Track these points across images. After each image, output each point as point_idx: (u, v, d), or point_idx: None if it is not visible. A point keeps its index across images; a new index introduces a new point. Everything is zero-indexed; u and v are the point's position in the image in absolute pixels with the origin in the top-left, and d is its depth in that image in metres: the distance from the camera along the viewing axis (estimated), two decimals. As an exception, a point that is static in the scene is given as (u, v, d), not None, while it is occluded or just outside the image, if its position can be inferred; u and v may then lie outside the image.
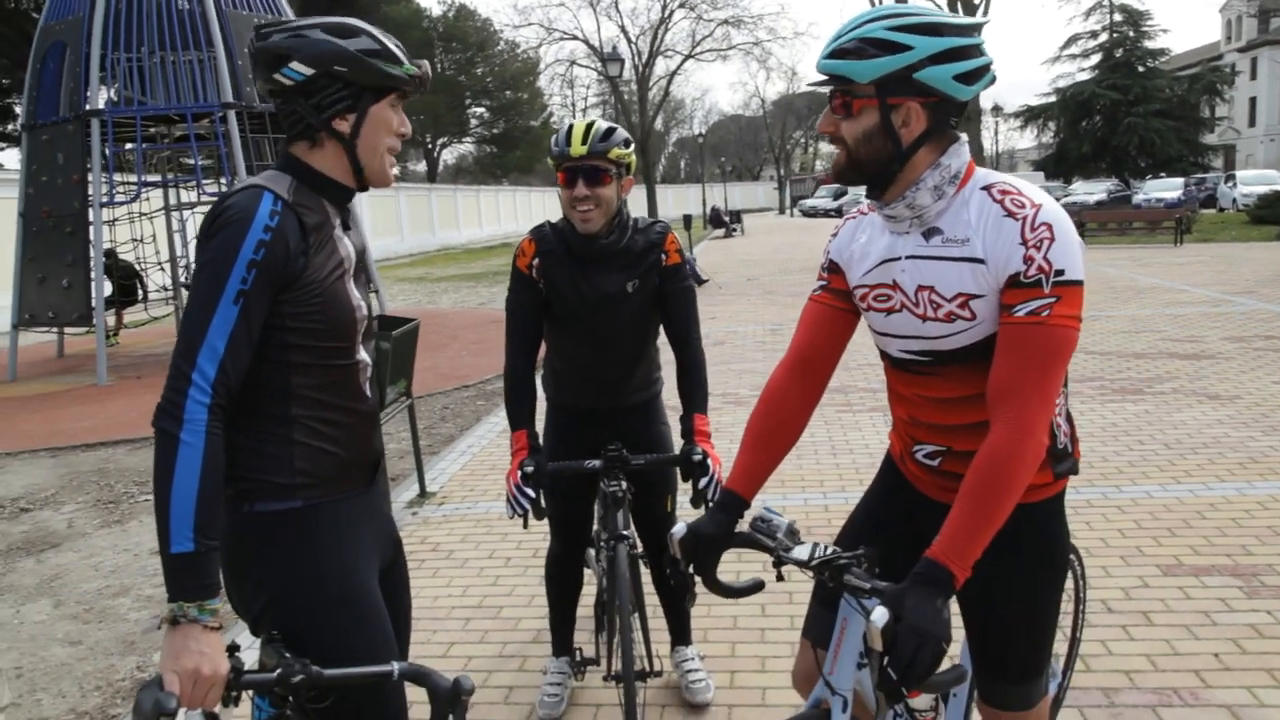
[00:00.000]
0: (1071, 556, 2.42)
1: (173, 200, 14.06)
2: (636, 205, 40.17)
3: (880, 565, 1.68)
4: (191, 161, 12.76)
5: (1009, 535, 1.63)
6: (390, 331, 5.02)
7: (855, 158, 1.68)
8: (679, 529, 1.79)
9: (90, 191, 11.28)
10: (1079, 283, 1.57)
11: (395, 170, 1.79)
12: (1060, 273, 1.56)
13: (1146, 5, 42.71)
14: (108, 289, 12.57)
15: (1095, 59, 43.94)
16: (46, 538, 5.52)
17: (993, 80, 1.67)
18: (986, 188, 1.66)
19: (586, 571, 3.22)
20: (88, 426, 8.52)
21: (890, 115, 1.63)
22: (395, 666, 1.52)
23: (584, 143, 2.55)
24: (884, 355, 1.87)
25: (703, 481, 2.60)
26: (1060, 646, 2.61)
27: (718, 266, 21.16)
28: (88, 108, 11.25)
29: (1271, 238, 20.56)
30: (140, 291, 14.18)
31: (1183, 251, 18.98)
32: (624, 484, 2.70)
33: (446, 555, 4.64)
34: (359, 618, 1.71)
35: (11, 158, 35.62)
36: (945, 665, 1.54)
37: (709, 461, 2.62)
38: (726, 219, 37.30)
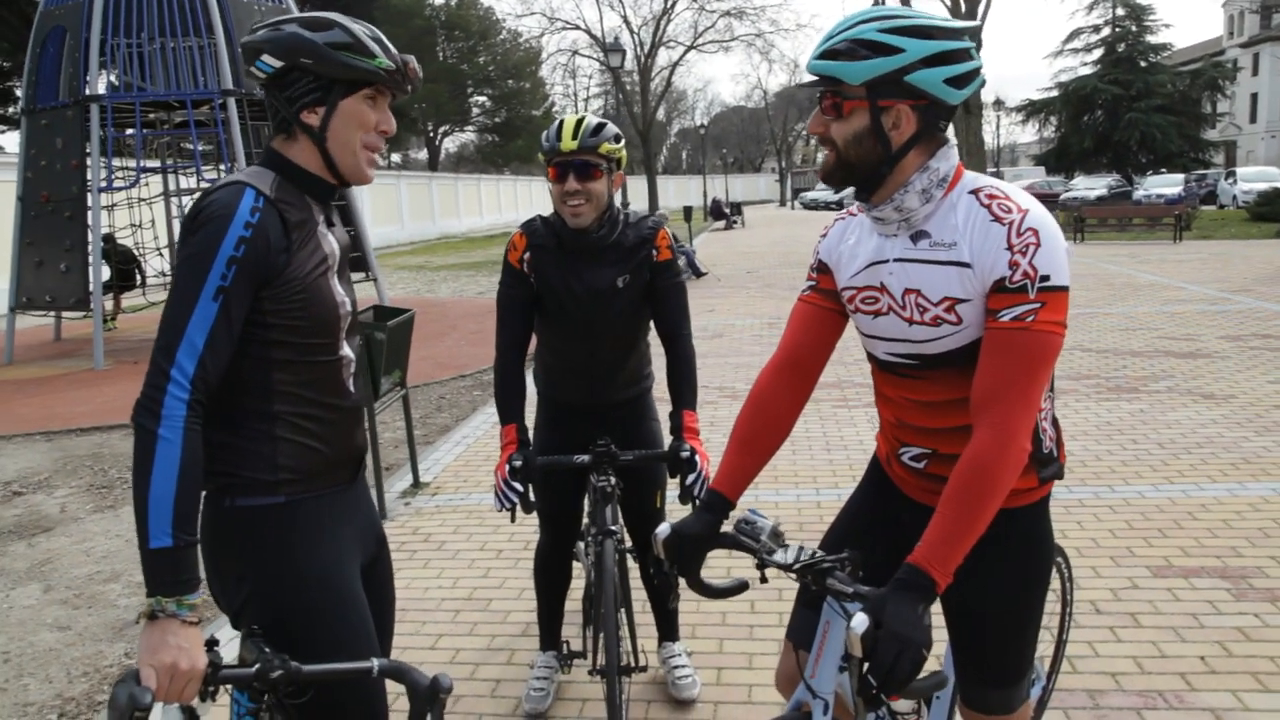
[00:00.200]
0: (1059, 559, 2.43)
1: (172, 186, 14.06)
2: (638, 196, 40.18)
3: (865, 568, 1.68)
4: (191, 148, 12.73)
5: (992, 540, 1.63)
6: (385, 322, 5.02)
7: (844, 159, 1.68)
8: (663, 529, 1.79)
9: (89, 176, 11.26)
10: (1064, 288, 1.56)
11: (373, 169, 1.76)
12: (1046, 278, 1.55)
13: (1149, 0, 42.39)
14: (105, 274, 12.56)
15: (1097, 53, 43.85)
16: (39, 522, 5.52)
17: (983, 84, 1.66)
18: (974, 191, 1.65)
19: (576, 565, 3.22)
20: (83, 411, 8.52)
21: (880, 117, 1.63)
22: (375, 663, 1.52)
23: (574, 138, 2.55)
24: (871, 357, 1.87)
25: (690, 478, 2.61)
26: (1046, 648, 2.61)
27: (717, 259, 21.14)
28: (87, 93, 11.22)
29: (1271, 235, 20.56)
30: (138, 277, 14.15)
31: (1182, 248, 18.97)
32: (613, 479, 2.70)
33: (438, 546, 4.64)
34: (340, 614, 1.71)
35: (11, 141, 35.57)
36: (927, 671, 1.54)
37: (697, 458, 2.63)
38: (727, 211, 37.26)
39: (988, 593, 1.78)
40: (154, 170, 13.58)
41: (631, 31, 44.15)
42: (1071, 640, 3.11)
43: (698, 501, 2.58)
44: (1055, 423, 1.83)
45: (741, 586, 1.79)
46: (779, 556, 1.66)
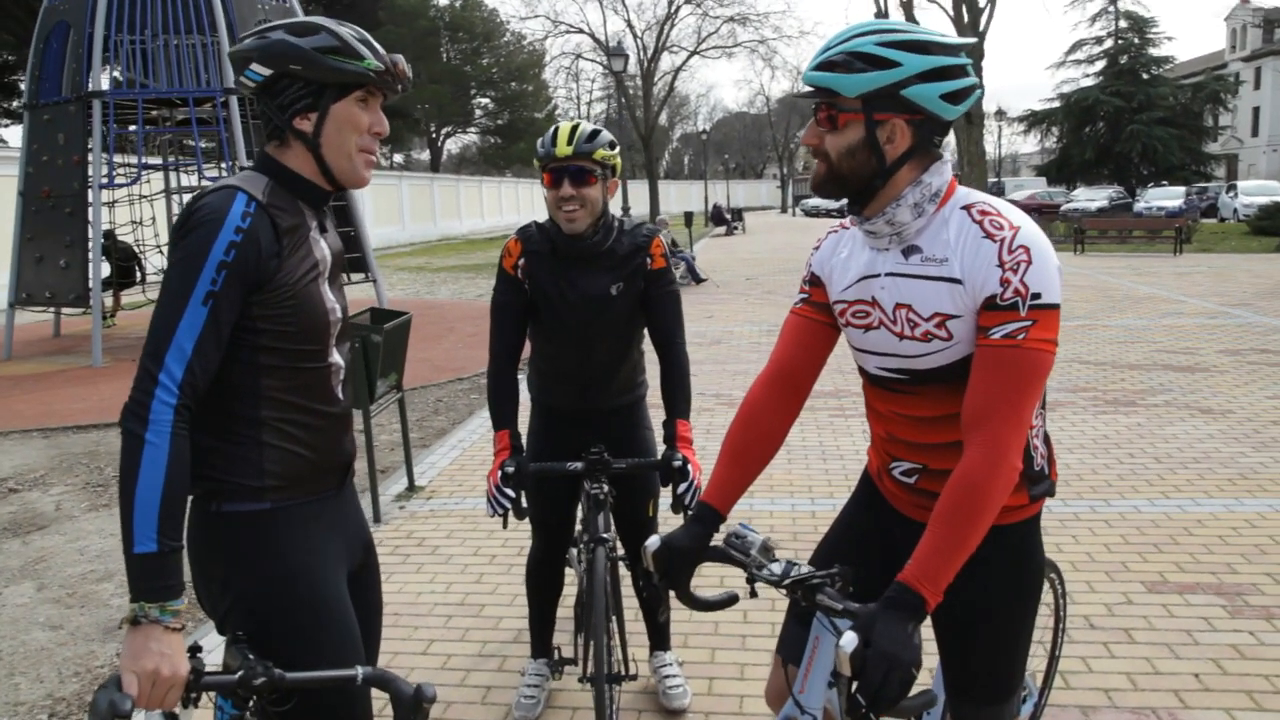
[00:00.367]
0: (1052, 574, 2.42)
1: (173, 184, 14.07)
2: (639, 200, 40.20)
3: (855, 583, 1.67)
4: (193, 145, 12.75)
5: (982, 558, 1.62)
6: (382, 325, 5.01)
7: (837, 171, 1.67)
8: (653, 542, 1.78)
9: (90, 173, 11.27)
10: (1055, 306, 1.56)
11: (370, 171, 1.75)
12: (1037, 296, 1.55)
13: (1152, 13, 42.65)
14: (105, 270, 12.57)
15: (1100, 65, 43.99)
16: (33, 519, 5.51)
17: (980, 98, 1.66)
18: (966, 207, 1.65)
19: (569, 572, 3.21)
20: (81, 408, 8.51)
21: (875, 131, 1.62)
22: (359, 671, 1.52)
23: (570, 143, 2.56)
24: (862, 371, 1.86)
25: (681, 487, 2.61)
26: (1039, 663, 2.60)
27: (717, 265, 21.14)
28: (90, 89, 11.24)
29: (1271, 249, 20.57)
30: (138, 274, 14.17)
31: (1182, 261, 18.98)
32: (606, 486, 2.69)
33: (431, 551, 4.63)
34: (325, 621, 1.70)
35: (15, 135, 35.59)
36: (917, 689, 1.53)
37: (689, 467, 2.62)
38: (728, 217, 37.29)
39: (977, 610, 1.77)
40: (155, 167, 13.59)
41: (635, 36, 44.28)
42: (1065, 655, 3.10)
43: (689, 511, 2.58)
44: (1047, 440, 1.82)
45: (732, 599, 1.79)
46: (769, 571, 1.65)
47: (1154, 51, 43.14)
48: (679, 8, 43.65)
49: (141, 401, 1.50)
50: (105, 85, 11.57)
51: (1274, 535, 4.37)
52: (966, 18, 23.30)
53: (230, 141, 11.46)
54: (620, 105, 37.23)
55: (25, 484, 6.27)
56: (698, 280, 17.21)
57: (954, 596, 1.60)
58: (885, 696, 1.43)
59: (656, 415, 2.93)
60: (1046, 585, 2.33)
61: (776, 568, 1.65)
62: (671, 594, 1.81)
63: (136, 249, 13.91)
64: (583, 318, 2.72)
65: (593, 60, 46.83)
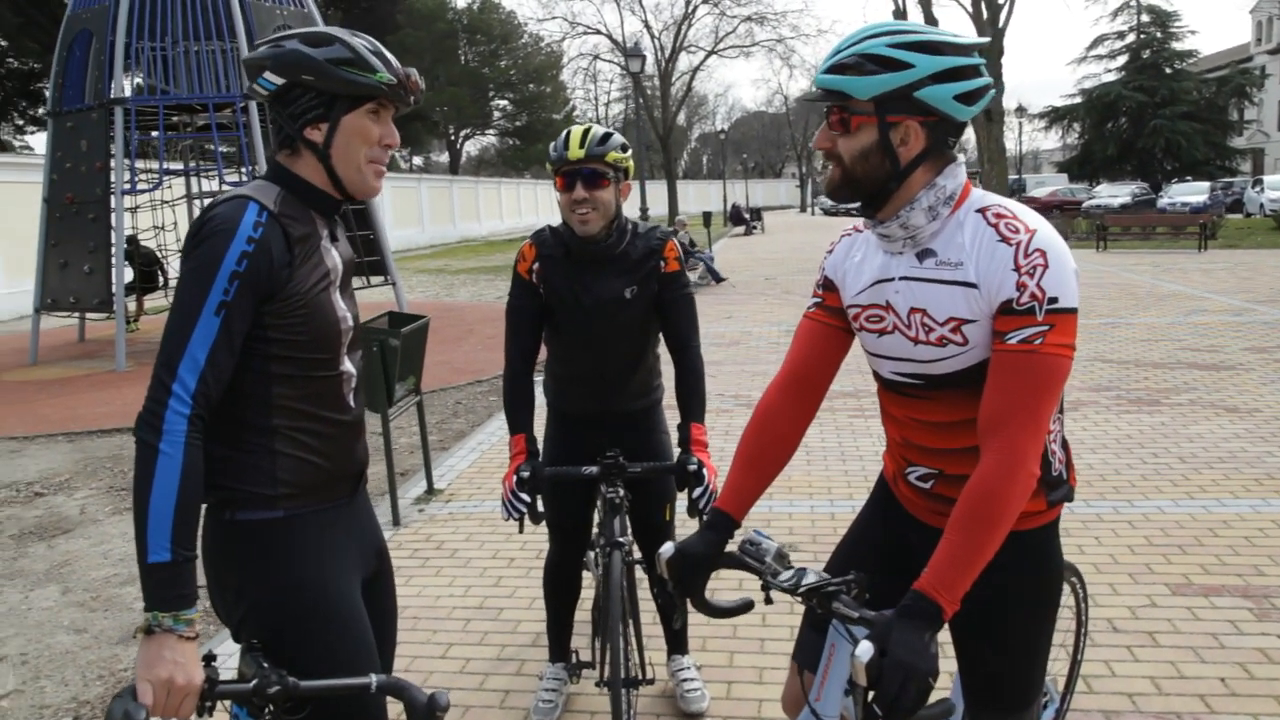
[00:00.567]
0: (1073, 577, 2.39)
1: (195, 189, 14.20)
2: (658, 200, 40.17)
3: (871, 590, 1.65)
4: (213, 150, 12.86)
5: (1000, 565, 1.59)
6: (399, 329, 5.02)
7: (851, 175, 1.66)
8: (667, 549, 1.77)
9: (113, 179, 11.40)
10: (1073, 310, 1.54)
11: (380, 180, 1.76)
12: (1054, 300, 1.53)
13: (1175, 6, 42.29)
14: (129, 275, 12.70)
15: (1122, 60, 43.59)
16: (59, 523, 5.57)
17: (995, 97, 1.64)
18: (981, 210, 1.63)
19: (586, 575, 3.21)
20: (105, 412, 8.60)
21: (889, 133, 1.61)
22: (374, 679, 1.52)
23: (581, 146, 2.57)
24: (877, 376, 1.84)
25: (696, 492, 2.60)
26: (1061, 667, 2.57)
27: (736, 265, 21.09)
28: (112, 96, 11.36)
29: (1299, 246, 20.30)
30: (161, 279, 14.30)
31: (1207, 258, 18.75)
32: (622, 490, 2.69)
33: (450, 554, 4.64)
34: (339, 629, 1.71)
35: (41, 142, 36.00)
36: (934, 698, 1.51)
37: (704, 471, 2.61)
38: (747, 216, 37.20)
39: (995, 618, 1.75)
40: (177, 173, 13.73)
41: (652, 36, 44.23)
42: (1087, 659, 3.07)
43: (704, 516, 2.57)
44: (1065, 445, 1.80)
45: (747, 606, 1.77)
46: (783, 579, 1.64)
47: (1177, 45, 42.70)
48: (696, 8, 43.57)
49: (155, 411, 1.51)
50: (127, 92, 11.69)
51: (1302, 536, 4.30)
52: (986, 14, 23.16)
53: (250, 146, 11.55)
54: (638, 106, 37.16)
55: (51, 488, 6.34)
56: (718, 279, 17.18)
57: (971, 604, 1.58)
58: (902, 706, 1.41)
59: (673, 419, 2.92)
60: (1067, 589, 2.30)
61: (791, 575, 1.64)
62: (687, 600, 1.80)
63: (159, 254, 14.04)
64: (597, 321, 2.72)
65: (610, 61, 46.87)
